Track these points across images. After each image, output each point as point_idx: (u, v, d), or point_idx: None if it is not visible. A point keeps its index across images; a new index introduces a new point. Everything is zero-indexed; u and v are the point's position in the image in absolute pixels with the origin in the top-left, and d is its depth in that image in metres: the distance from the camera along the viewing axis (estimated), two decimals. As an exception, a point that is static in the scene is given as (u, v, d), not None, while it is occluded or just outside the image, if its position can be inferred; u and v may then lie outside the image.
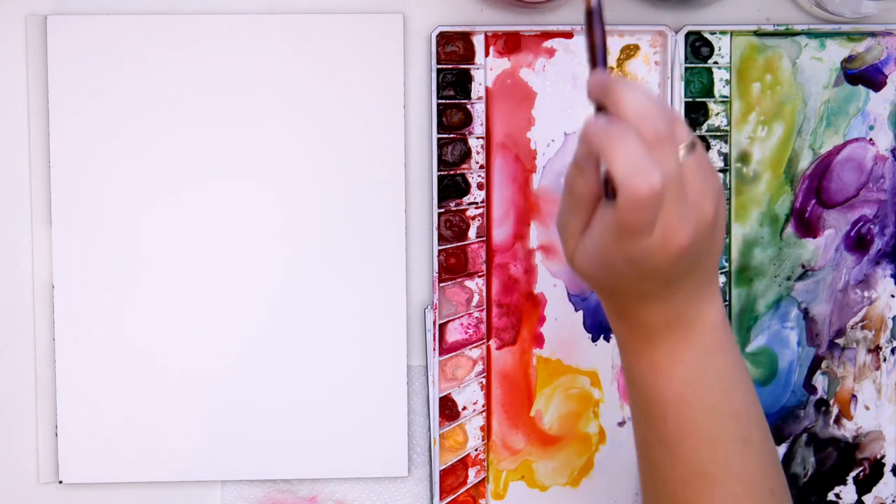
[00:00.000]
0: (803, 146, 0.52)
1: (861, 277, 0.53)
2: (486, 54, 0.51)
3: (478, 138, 0.51)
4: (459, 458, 0.52)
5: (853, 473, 0.53)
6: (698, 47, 0.51)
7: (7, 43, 0.51)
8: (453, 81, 0.50)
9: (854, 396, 0.53)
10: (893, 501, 0.53)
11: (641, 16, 0.52)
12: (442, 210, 0.51)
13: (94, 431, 0.51)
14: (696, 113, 0.51)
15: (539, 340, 0.52)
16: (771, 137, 0.52)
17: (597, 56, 0.31)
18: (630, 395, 0.36)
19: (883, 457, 0.53)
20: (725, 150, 0.51)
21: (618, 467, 0.53)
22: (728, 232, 0.52)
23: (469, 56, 0.51)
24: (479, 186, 0.51)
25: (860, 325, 0.53)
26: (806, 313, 0.53)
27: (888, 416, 0.53)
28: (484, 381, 0.52)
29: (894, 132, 0.52)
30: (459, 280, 0.51)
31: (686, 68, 0.51)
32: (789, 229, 0.52)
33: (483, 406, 0.52)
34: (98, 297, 0.50)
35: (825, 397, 0.53)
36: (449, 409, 0.51)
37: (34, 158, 0.51)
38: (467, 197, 0.51)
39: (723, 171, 0.51)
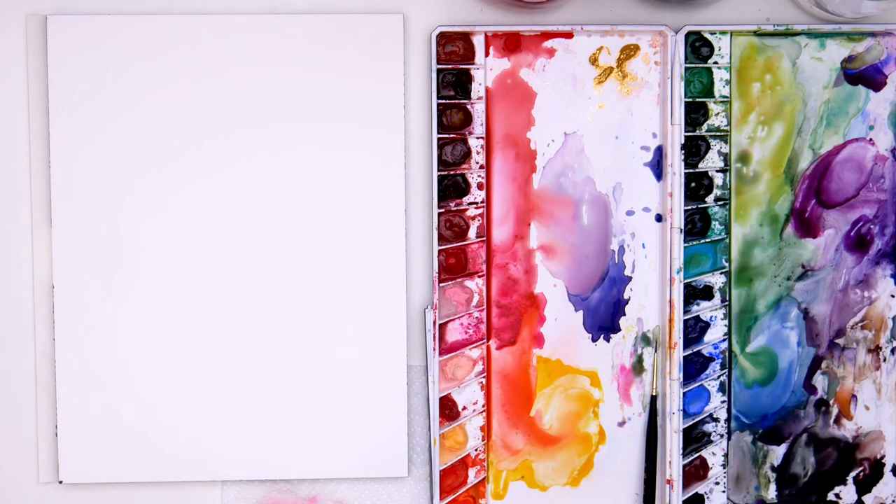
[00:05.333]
0: (803, 146, 0.52)
1: (861, 277, 0.53)
2: (486, 54, 0.51)
3: (478, 138, 0.51)
4: (459, 458, 0.52)
5: (853, 473, 0.53)
6: (698, 47, 0.51)
7: (7, 43, 0.51)
8: (453, 81, 0.50)
9: (854, 396, 0.53)
10: (893, 501, 0.53)
11: (641, 16, 0.52)
12: (442, 210, 0.51)
13: (94, 431, 0.51)
14: (696, 113, 0.51)
15: (539, 340, 0.52)
16: (771, 137, 0.52)
17: None
18: None
19: (883, 457, 0.53)
20: (725, 150, 0.51)
21: (618, 467, 0.53)
22: (728, 232, 0.52)
23: (469, 56, 0.51)
24: (479, 186, 0.51)
25: (860, 325, 0.53)
26: (806, 313, 0.53)
27: (888, 416, 0.53)
28: (484, 381, 0.52)
29: (894, 132, 0.52)
30: (459, 280, 0.51)
31: (686, 68, 0.51)
32: (789, 229, 0.52)
33: (483, 406, 0.52)
34: (98, 297, 0.50)
35: (825, 397, 0.53)
36: (449, 409, 0.51)
37: (34, 158, 0.51)
38: (467, 197, 0.51)
39: (723, 170, 0.51)
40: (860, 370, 0.53)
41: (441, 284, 0.51)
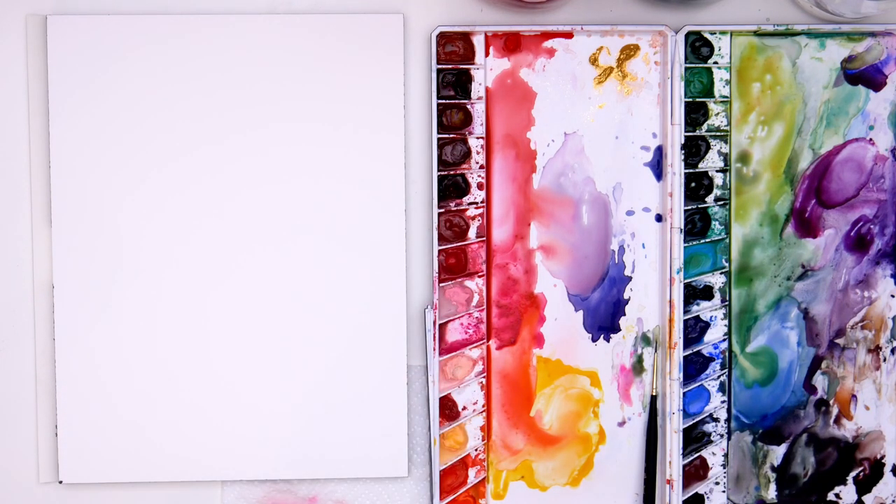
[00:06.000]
0: (803, 146, 0.52)
1: (861, 277, 0.53)
2: (486, 54, 0.51)
3: (478, 138, 0.51)
4: (459, 458, 0.52)
5: (853, 473, 0.53)
6: (698, 47, 0.51)
7: (7, 43, 0.51)
8: (453, 81, 0.50)
9: (854, 396, 0.53)
10: (893, 501, 0.53)
11: (641, 16, 0.52)
12: (442, 210, 0.51)
13: (94, 431, 0.51)
14: (696, 113, 0.51)
15: (539, 340, 0.52)
16: (771, 137, 0.52)
17: None
18: None
19: (883, 457, 0.53)
20: (725, 150, 0.51)
21: (618, 467, 0.53)
22: (728, 232, 0.52)
23: (469, 56, 0.51)
24: (479, 186, 0.51)
25: (860, 325, 0.53)
26: (806, 313, 0.53)
27: (888, 416, 0.53)
28: (484, 381, 0.52)
29: (894, 132, 0.52)
30: (459, 280, 0.51)
31: (686, 68, 0.51)
32: (789, 229, 0.52)
33: (483, 406, 0.52)
34: (98, 297, 0.50)
35: (825, 397, 0.53)
36: (449, 409, 0.51)
37: (34, 158, 0.51)
38: (467, 197, 0.51)
39: (723, 170, 0.51)
40: (860, 370, 0.53)
41: (441, 284, 0.51)
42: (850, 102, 0.52)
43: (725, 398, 0.52)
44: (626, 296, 0.52)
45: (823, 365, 0.53)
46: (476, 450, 0.52)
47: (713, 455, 0.52)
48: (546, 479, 0.53)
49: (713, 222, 0.52)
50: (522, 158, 0.52)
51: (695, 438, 0.52)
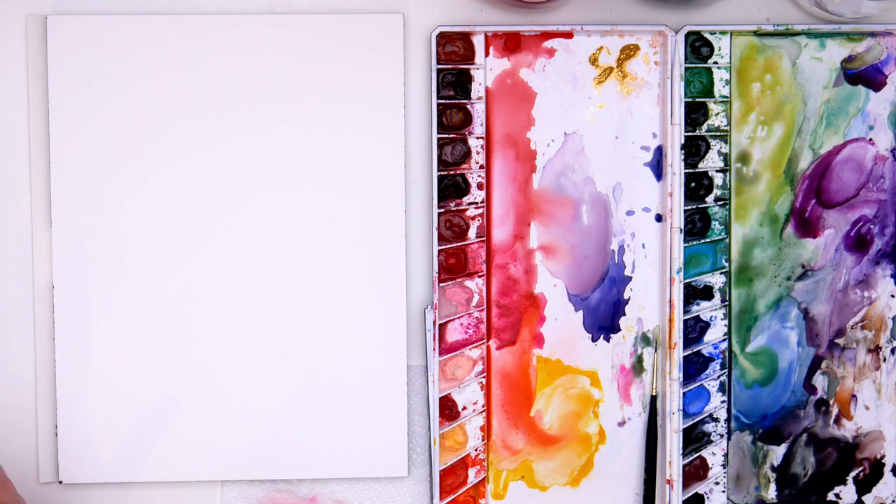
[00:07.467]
0: (803, 146, 0.52)
1: (861, 277, 0.53)
2: (486, 54, 0.51)
3: (478, 138, 0.51)
4: (459, 458, 0.52)
5: (853, 473, 0.53)
6: (698, 47, 0.51)
7: (7, 43, 0.51)
8: (453, 81, 0.50)
9: (854, 396, 0.53)
10: (893, 501, 0.53)
11: (641, 16, 0.52)
12: (442, 210, 0.51)
13: (94, 431, 0.51)
14: (696, 113, 0.51)
15: (539, 340, 0.52)
16: (771, 137, 0.52)
17: None
18: None
19: (883, 457, 0.53)
20: (725, 150, 0.51)
21: (618, 467, 0.53)
22: (728, 232, 0.52)
23: (469, 56, 0.51)
24: (479, 186, 0.51)
25: (860, 325, 0.53)
26: (806, 313, 0.53)
27: (888, 416, 0.53)
28: (484, 381, 0.52)
29: (894, 132, 0.52)
30: (459, 280, 0.51)
31: (686, 68, 0.51)
32: (789, 229, 0.52)
33: (483, 406, 0.52)
34: (98, 297, 0.50)
35: (825, 397, 0.53)
36: (449, 409, 0.51)
37: (34, 158, 0.51)
38: (467, 197, 0.51)
39: (723, 170, 0.51)
40: (860, 370, 0.53)
41: (441, 284, 0.51)
42: (850, 102, 0.52)
43: (725, 398, 0.52)
44: (626, 296, 0.52)
45: (823, 365, 0.53)
46: (476, 450, 0.52)
47: (713, 455, 0.52)
48: (546, 479, 0.53)
49: (713, 222, 0.52)
50: (522, 158, 0.52)
51: (695, 438, 0.52)
